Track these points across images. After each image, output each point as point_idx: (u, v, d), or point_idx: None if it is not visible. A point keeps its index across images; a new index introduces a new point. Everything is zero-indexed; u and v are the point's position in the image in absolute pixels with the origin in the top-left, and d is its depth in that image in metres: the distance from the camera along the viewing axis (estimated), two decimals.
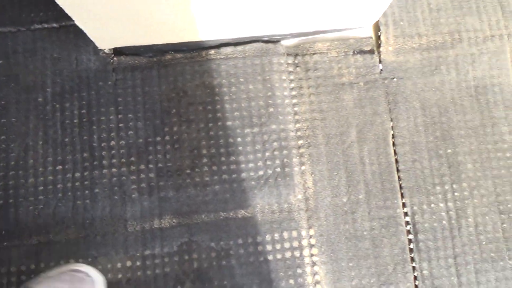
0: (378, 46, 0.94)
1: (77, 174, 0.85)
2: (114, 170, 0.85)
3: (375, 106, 0.91)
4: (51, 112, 0.87)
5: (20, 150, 0.86)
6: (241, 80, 0.90)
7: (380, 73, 0.92)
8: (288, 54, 0.92)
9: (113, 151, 0.86)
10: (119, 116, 0.87)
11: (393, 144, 0.90)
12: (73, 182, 0.85)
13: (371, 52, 0.93)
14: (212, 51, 0.91)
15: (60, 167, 0.85)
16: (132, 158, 0.86)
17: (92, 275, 0.77)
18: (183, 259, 0.83)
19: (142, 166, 0.85)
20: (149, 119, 0.87)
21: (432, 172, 0.89)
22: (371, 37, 0.95)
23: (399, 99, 0.92)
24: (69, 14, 0.71)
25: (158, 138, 0.87)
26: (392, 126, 0.90)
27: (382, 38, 0.94)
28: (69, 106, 0.88)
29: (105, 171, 0.85)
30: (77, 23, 0.75)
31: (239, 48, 0.91)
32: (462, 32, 0.95)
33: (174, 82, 0.89)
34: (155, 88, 0.89)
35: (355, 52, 0.93)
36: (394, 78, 0.92)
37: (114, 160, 0.86)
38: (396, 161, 0.89)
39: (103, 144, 0.86)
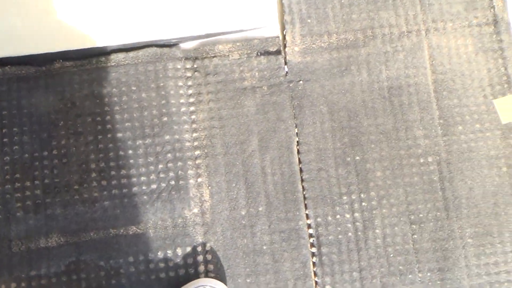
0: (285, 46, 0.87)
1: None
2: None
3: (279, 112, 0.85)
4: None
5: None
6: (133, 88, 0.84)
7: (286, 75, 0.86)
8: (186, 58, 0.86)
9: (6, 167, 0.82)
10: (4, 130, 0.83)
11: (298, 152, 0.84)
12: None
13: (277, 53, 0.87)
14: (102, 58, 0.85)
15: None
16: (17, 175, 0.81)
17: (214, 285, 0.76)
18: (71, 279, 0.79)
19: (28, 183, 0.81)
20: (36, 133, 0.83)
21: (339, 181, 0.83)
22: (278, 37, 0.88)
23: (305, 103, 0.85)
24: None
25: (45, 153, 0.82)
26: (297, 133, 0.85)
27: (287, 37, 0.87)
28: None
29: None
30: None
31: (131, 54, 0.85)
32: (375, 28, 0.87)
33: (62, 93, 0.84)
34: (42, 100, 0.84)
35: (259, 53, 0.87)
36: (300, 80, 0.86)
37: None
38: (301, 170, 0.84)
39: None
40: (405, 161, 0.84)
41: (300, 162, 0.84)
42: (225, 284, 0.79)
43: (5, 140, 0.82)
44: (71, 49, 0.82)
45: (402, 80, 0.86)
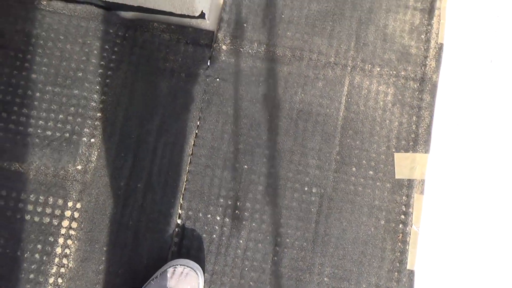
0: (214, 42, 0.89)
1: None
2: None
3: (188, 101, 0.87)
4: None
5: None
6: (61, 37, 0.87)
7: (206, 69, 0.88)
8: (120, 25, 0.89)
9: None
10: None
11: (193, 144, 0.86)
12: None
13: (205, 46, 0.89)
14: (44, 2, 0.89)
15: None
16: None
17: (192, 266, 0.78)
18: None
19: None
20: None
21: (221, 183, 0.84)
22: (212, 32, 0.90)
23: (215, 101, 0.87)
24: None
25: None
26: (197, 125, 0.86)
27: (219, 35, 0.89)
28: None
29: None
30: None
31: (70, 6, 0.88)
32: (305, 51, 0.88)
33: None
34: None
35: (188, 41, 0.89)
36: (217, 78, 0.87)
37: None
38: (190, 162, 0.85)
39: None
40: (290, 184, 0.84)
41: (191, 154, 0.85)
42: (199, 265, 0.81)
43: None
44: None
45: (314, 107, 0.87)
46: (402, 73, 0.88)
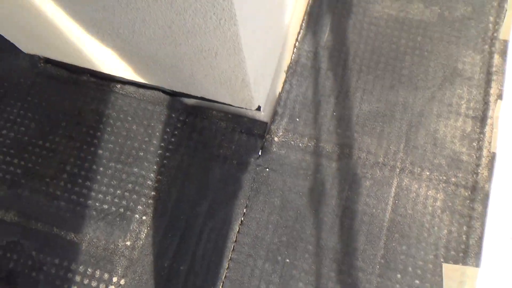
0: (267, 133, 0.94)
1: None
2: None
3: (237, 188, 0.90)
4: None
5: None
6: (129, 118, 0.96)
7: (257, 159, 0.92)
8: (182, 111, 0.97)
9: (7, 141, 0.97)
10: (20, 112, 0.99)
11: (238, 231, 0.88)
12: None
13: (258, 136, 0.94)
14: (118, 85, 0.99)
15: None
16: (11, 151, 0.96)
17: None
18: (5, 255, 0.89)
19: (15, 160, 0.95)
20: (42, 123, 0.97)
21: (262, 275, 0.84)
22: (266, 123, 0.95)
23: (263, 190, 0.90)
24: None
25: (40, 142, 0.96)
26: (244, 213, 0.89)
27: (272, 126, 0.93)
28: None
29: None
30: None
31: (141, 90, 0.98)
32: (354, 149, 0.91)
33: (76, 100, 0.98)
34: (59, 100, 0.99)
35: (243, 131, 0.94)
36: (267, 168, 0.91)
37: None
38: (233, 249, 0.87)
39: None
40: (331, 284, 0.83)
41: (235, 241, 0.87)
42: None
43: (18, 119, 0.98)
44: (99, 70, 0.97)
45: (360, 206, 0.87)
46: (453, 179, 0.87)
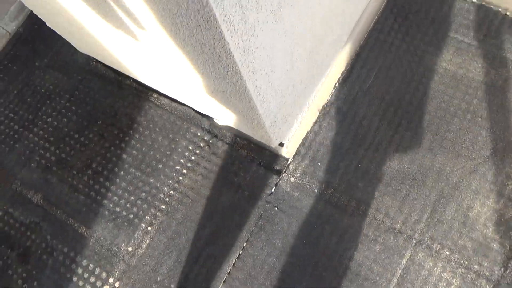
0: (286, 171, 0.91)
1: None
2: (35, 138, 1.04)
3: (243, 220, 0.89)
4: None
5: None
6: (157, 129, 0.99)
7: (269, 195, 0.90)
8: (208, 131, 0.98)
9: (50, 129, 1.06)
10: (66, 104, 1.07)
11: (233, 264, 0.86)
12: None
13: (276, 172, 0.91)
14: (155, 95, 1.02)
15: None
16: (51, 138, 1.04)
17: None
18: (25, 233, 0.97)
19: (52, 148, 1.03)
20: (83, 118, 1.04)
21: None
22: (287, 160, 0.92)
23: (267, 228, 0.87)
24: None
25: (76, 135, 1.03)
26: (243, 247, 0.87)
27: (291, 166, 0.90)
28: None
29: (30, 135, 1.05)
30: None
31: (174, 104, 1.00)
32: (371, 208, 0.84)
33: (115, 102, 1.04)
34: (102, 99, 1.05)
35: (261, 163, 0.92)
36: (276, 207, 0.88)
37: (41, 131, 1.05)
38: (224, 281, 0.85)
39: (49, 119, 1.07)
40: None
41: (229, 273, 0.86)
42: None
43: (63, 111, 1.06)
44: (139, 80, 1.02)
45: (363, 270, 0.81)
46: (475, 266, 0.77)
